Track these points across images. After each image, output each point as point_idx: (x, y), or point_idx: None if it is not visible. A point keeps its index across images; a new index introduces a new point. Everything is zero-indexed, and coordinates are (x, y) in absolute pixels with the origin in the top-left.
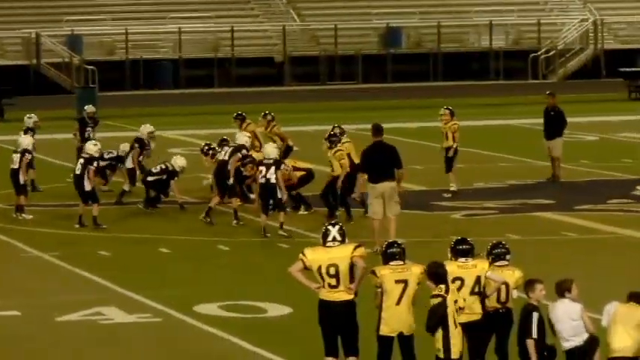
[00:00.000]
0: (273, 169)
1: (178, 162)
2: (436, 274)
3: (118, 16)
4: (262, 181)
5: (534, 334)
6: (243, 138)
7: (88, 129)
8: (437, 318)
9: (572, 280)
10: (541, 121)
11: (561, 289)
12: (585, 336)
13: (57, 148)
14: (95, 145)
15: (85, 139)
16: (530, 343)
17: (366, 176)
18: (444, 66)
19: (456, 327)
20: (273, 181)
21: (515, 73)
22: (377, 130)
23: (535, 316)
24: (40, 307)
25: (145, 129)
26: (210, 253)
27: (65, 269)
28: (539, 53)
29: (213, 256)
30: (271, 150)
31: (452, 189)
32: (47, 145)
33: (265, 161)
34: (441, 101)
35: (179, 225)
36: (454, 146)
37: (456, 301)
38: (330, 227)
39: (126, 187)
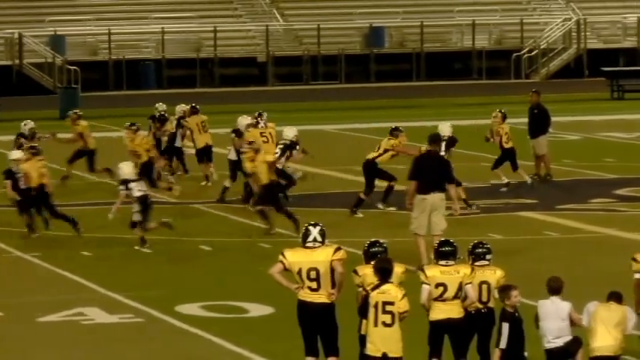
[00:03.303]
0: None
1: (289, 133)
2: (379, 269)
3: (101, 16)
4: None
5: (502, 345)
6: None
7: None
8: (360, 307)
9: (563, 281)
10: (524, 120)
11: (552, 288)
12: (568, 338)
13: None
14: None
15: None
16: (496, 353)
17: (415, 185)
18: (427, 65)
19: (376, 326)
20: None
21: (497, 72)
22: (433, 139)
23: (505, 326)
24: (21, 307)
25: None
26: (192, 254)
27: (47, 269)
28: (521, 53)
29: (195, 256)
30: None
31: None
32: None
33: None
34: (423, 101)
35: None
36: (507, 146)
37: (390, 303)
38: (310, 228)
39: (227, 184)
